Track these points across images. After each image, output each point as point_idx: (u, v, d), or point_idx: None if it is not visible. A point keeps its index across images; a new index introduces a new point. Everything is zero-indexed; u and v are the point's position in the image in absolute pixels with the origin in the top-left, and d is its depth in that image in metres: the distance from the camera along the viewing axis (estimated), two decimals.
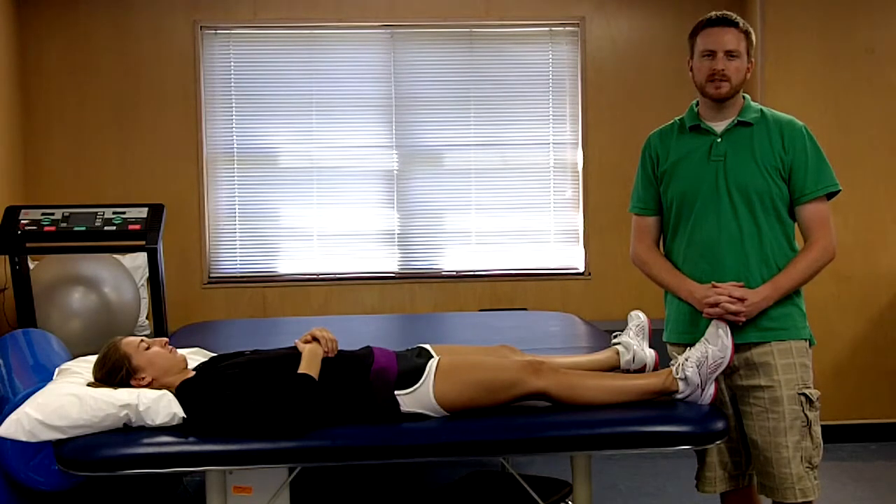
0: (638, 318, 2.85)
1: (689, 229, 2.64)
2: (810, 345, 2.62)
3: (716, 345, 2.51)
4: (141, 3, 4.92)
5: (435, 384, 2.51)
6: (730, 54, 2.58)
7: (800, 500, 2.54)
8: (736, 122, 2.62)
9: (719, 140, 2.62)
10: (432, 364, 2.56)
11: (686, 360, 2.56)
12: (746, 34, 2.61)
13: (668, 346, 2.78)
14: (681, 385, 2.56)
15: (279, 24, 5.00)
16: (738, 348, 2.55)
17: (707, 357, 2.52)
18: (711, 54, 2.59)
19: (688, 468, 2.79)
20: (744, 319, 2.52)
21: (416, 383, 2.52)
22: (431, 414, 2.52)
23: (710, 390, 2.55)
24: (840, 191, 2.62)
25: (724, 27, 2.59)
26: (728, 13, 2.62)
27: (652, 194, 2.76)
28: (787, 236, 2.62)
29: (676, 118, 2.76)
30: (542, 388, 2.55)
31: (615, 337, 2.87)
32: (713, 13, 2.64)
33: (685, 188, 2.64)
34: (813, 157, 2.60)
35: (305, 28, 5.03)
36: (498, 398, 2.54)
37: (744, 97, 2.67)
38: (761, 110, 2.65)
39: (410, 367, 2.57)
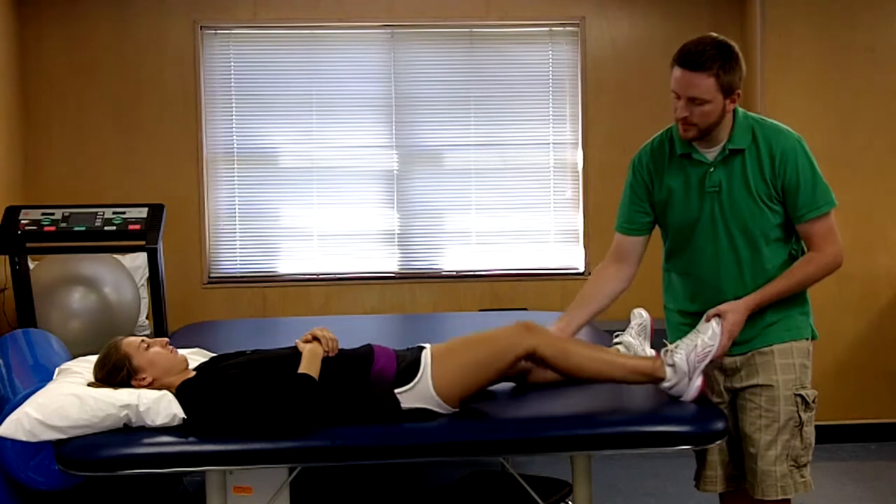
0: (640, 317, 2.80)
1: (687, 257, 2.63)
2: (813, 338, 2.61)
3: (706, 333, 2.49)
4: (141, 3, 4.92)
5: (433, 374, 2.50)
6: (693, 100, 2.41)
7: (780, 497, 2.53)
8: (727, 151, 2.50)
9: (712, 170, 2.52)
10: (426, 354, 2.55)
11: (676, 347, 2.54)
12: (722, 72, 2.38)
13: None
14: (668, 371, 2.52)
15: (279, 24, 5.00)
16: (739, 352, 2.56)
17: (696, 346, 2.49)
18: (676, 96, 2.45)
19: (688, 468, 2.79)
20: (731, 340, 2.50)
21: (414, 378, 2.51)
22: (434, 408, 2.51)
23: (697, 382, 2.51)
24: (836, 205, 2.52)
25: (689, 71, 2.39)
26: (700, 50, 2.39)
27: (640, 216, 2.69)
28: (791, 255, 2.58)
29: (666, 131, 2.63)
30: (534, 345, 2.52)
31: (616, 336, 2.86)
32: (687, 47, 2.42)
33: (682, 220, 2.59)
34: (805, 176, 2.47)
35: (305, 28, 5.03)
36: (496, 369, 2.52)
37: (736, 111, 2.51)
38: (752, 130, 2.50)
39: (407, 363, 2.56)
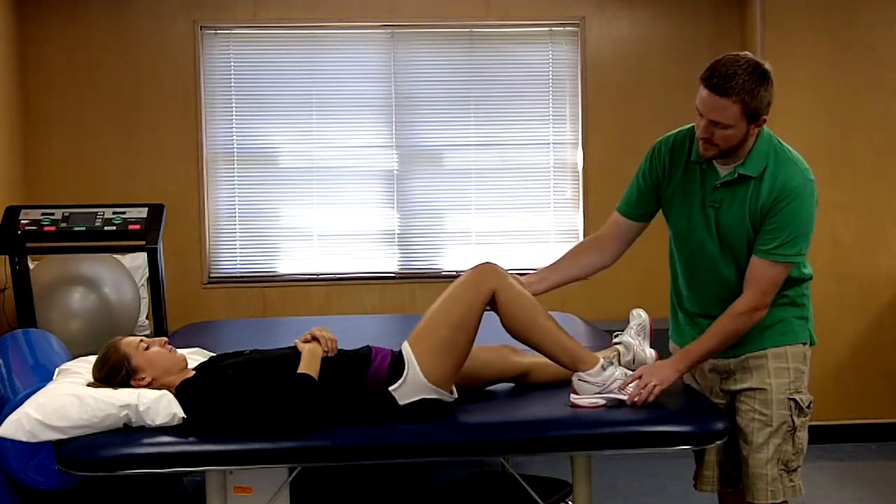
0: (639, 317, 2.79)
1: (684, 258, 2.62)
2: (812, 344, 2.61)
3: (629, 391, 2.51)
4: (141, 3, 4.92)
5: (418, 361, 2.50)
6: (715, 123, 2.35)
7: (769, 501, 2.53)
8: (737, 174, 2.44)
9: (718, 184, 2.48)
10: (406, 346, 2.56)
11: (619, 366, 2.57)
12: (748, 97, 2.30)
13: (671, 344, 2.78)
14: (594, 369, 2.52)
15: (279, 24, 5.00)
16: (734, 355, 2.56)
17: (628, 383, 2.51)
18: (700, 114, 2.38)
19: (688, 468, 2.79)
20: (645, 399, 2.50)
21: (402, 372, 2.51)
22: (431, 396, 2.49)
23: (595, 401, 2.52)
24: (799, 262, 2.49)
25: (714, 95, 2.32)
26: (730, 74, 2.30)
27: (644, 205, 2.67)
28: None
29: (692, 128, 2.52)
30: (494, 288, 2.54)
31: (616, 336, 2.86)
32: (717, 67, 2.33)
33: (681, 227, 2.59)
34: (789, 219, 2.40)
35: (305, 28, 5.03)
36: (472, 327, 2.52)
37: (761, 133, 2.43)
38: (767, 162, 2.43)
39: (394, 360, 2.57)
